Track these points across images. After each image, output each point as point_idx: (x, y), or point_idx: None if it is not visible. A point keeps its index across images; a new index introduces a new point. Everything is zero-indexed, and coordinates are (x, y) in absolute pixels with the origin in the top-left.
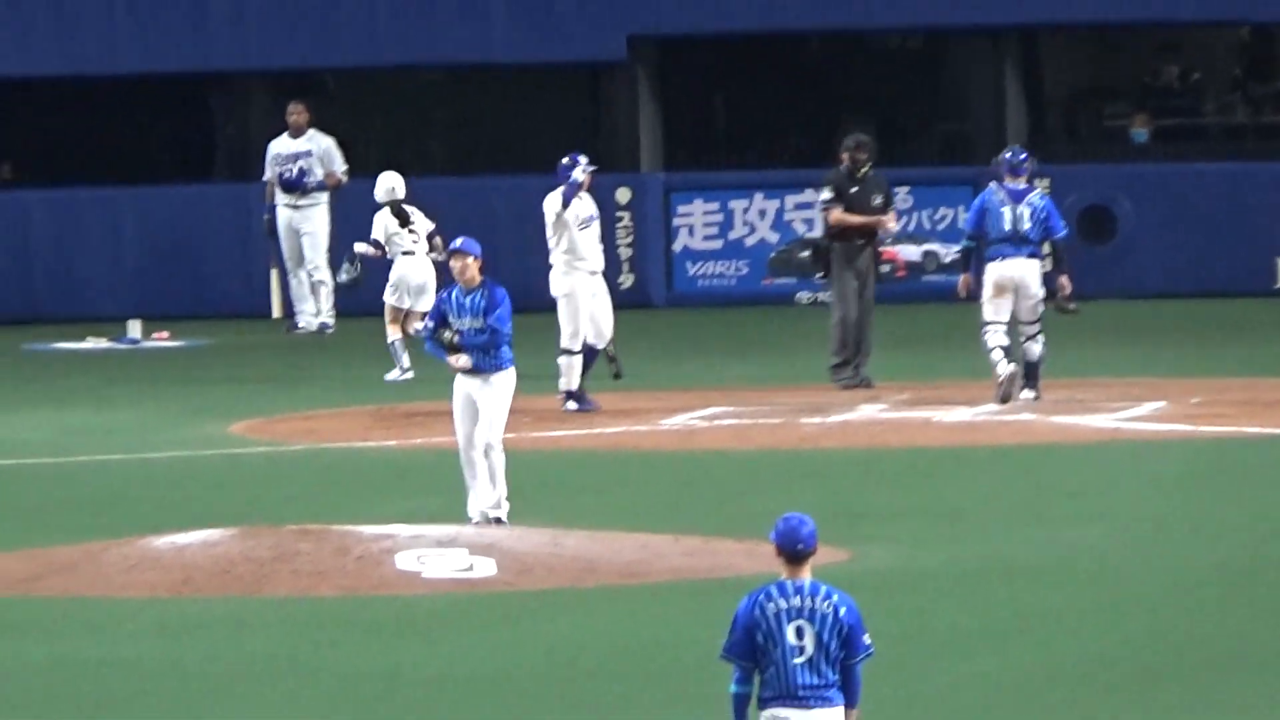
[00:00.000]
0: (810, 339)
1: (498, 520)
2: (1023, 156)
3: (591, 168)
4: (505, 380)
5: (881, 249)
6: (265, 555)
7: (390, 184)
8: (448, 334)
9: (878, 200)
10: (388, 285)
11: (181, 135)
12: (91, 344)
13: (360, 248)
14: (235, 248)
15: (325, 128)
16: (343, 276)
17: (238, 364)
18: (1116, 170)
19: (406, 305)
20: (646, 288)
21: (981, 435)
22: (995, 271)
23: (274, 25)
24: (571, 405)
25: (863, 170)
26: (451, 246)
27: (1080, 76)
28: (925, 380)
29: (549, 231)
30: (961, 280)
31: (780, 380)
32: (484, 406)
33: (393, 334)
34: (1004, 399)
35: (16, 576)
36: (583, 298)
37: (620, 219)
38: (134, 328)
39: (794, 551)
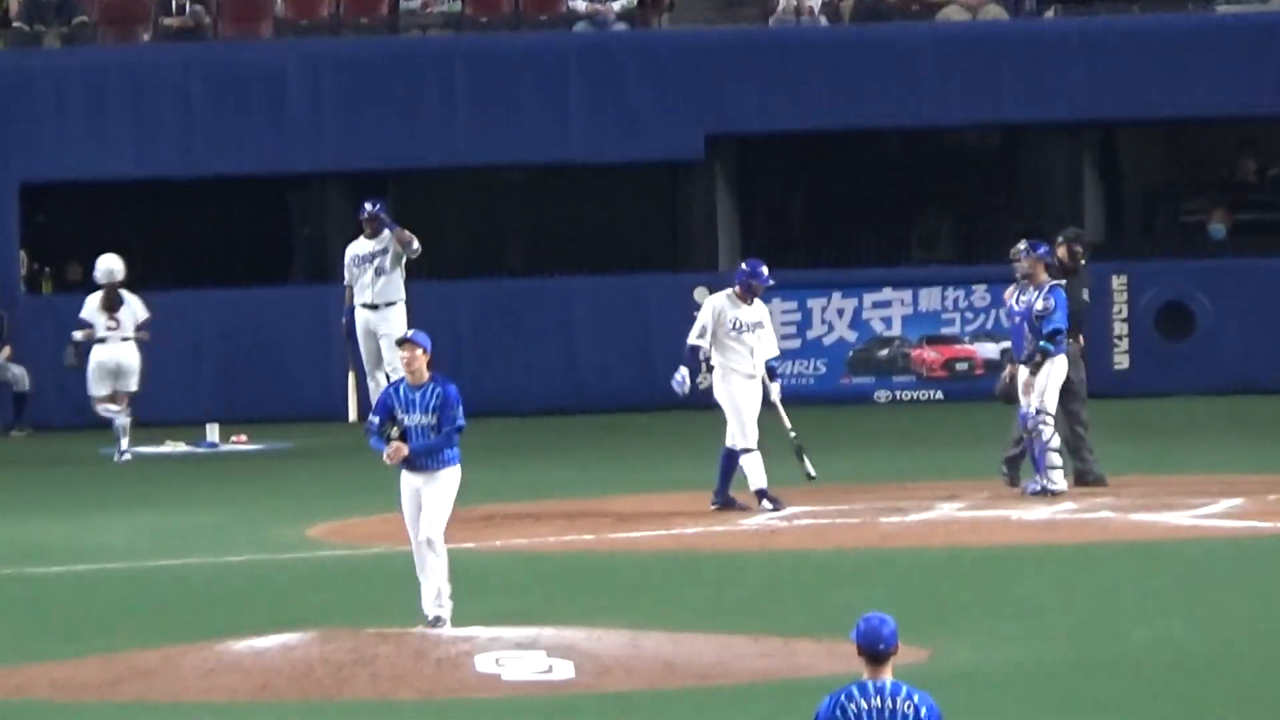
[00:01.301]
0: (889, 438)
1: (437, 620)
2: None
3: (769, 282)
4: (451, 477)
5: (960, 346)
6: (344, 659)
7: (109, 266)
8: (394, 430)
9: (1085, 295)
10: (89, 376)
11: (259, 237)
12: (170, 448)
13: (78, 334)
14: (314, 350)
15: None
16: (67, 359)
17: (316, 467)
18: (1194, 266)
19: (107, 390)
20: None
21: (1060, 533)
22: (1065, 365)
23: (351, 127)
24: (767, 505)
25: (1080, 264)
26: (401, 336)
27: (1157, 172)
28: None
29: (699, 325)
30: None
31: (859, 479)
32: (427, 501)
33: (109, 411)
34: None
35: (96, 682)
36: (743, 397)
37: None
38: (212, 431)
39: (875, 651)
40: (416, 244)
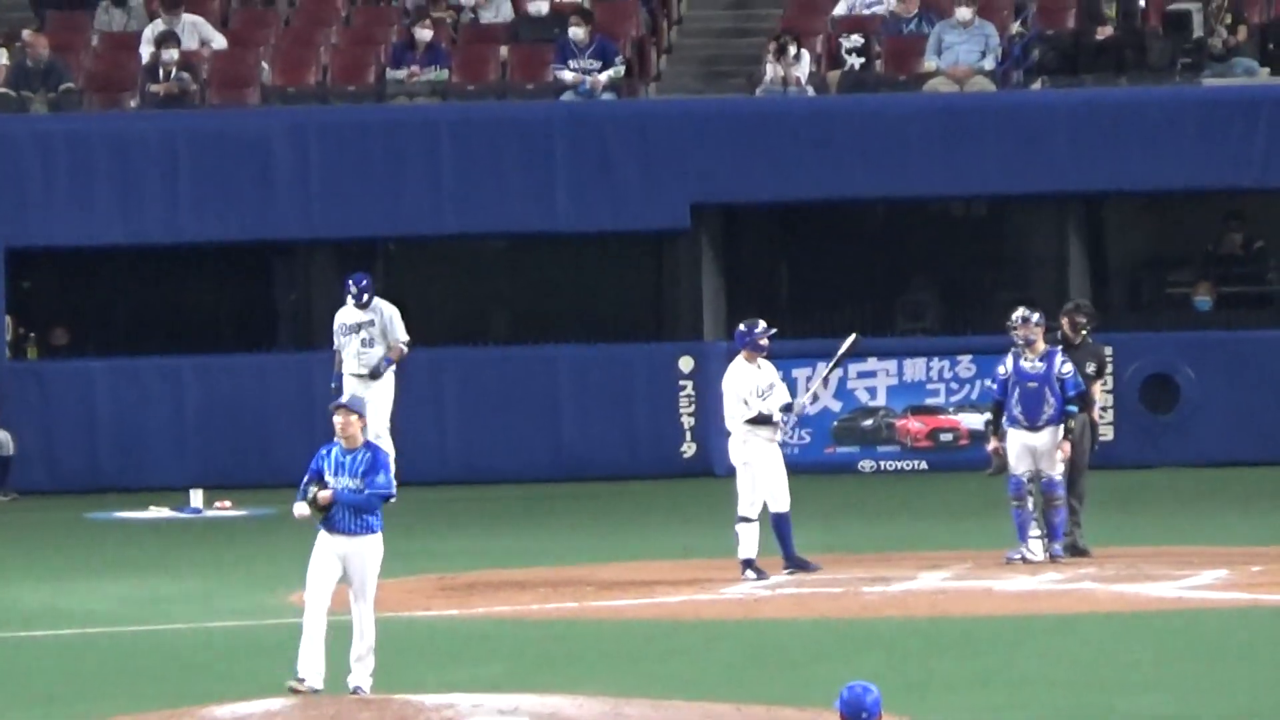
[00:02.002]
0: (873, 508)
1: (357, 689)
2: None
3: (771, 331)
4: (375, 545)
5: (945, 417)
6: None
7: None
8: (315, 491)
9: (1091, 369)
10: None
11: (244, 304)
12: (154, 513)
13: None
14: (299, 416)
15: (388, 296)
16: None
17: (299, 533)
18: (1179, 338)
19: None
20: (709, 457)
21: (1043, 604)
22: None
23: (337, 194)
24: (750, 575)
25: (1080, 336)
26: (337, 402)
27: (1143, 244)
28: (988, 548)
29: (728, 401)
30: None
31: (842, 549)
32: (356, 574)
33: None
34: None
35: None
36: (761, 466)
37: (683, 388)
38: (196, 497)
39: None
40: (406, 350)
